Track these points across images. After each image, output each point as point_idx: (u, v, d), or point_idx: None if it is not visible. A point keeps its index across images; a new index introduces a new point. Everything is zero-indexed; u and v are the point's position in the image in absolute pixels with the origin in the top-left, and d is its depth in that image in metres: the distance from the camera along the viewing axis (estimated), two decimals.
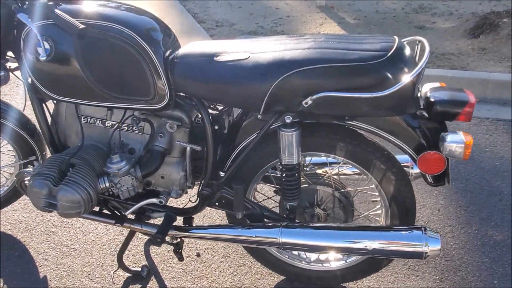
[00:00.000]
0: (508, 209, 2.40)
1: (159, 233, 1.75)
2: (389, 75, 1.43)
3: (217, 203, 1.79)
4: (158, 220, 1.88)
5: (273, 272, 2.06)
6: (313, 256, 1.97)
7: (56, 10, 1.52)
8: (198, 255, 2.17)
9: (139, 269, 2.05)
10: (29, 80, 1.70)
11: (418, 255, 1.53)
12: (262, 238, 1.69)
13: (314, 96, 1.46)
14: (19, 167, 2.18)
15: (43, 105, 1.82)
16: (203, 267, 2.11)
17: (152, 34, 1.61)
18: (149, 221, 1.88)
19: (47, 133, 1.83)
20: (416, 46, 1.61)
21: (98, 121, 1.80)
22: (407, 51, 1.49)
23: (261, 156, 1.71)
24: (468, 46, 4.20)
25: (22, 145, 2.11)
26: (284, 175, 1.67)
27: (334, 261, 1.93)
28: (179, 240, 1.87)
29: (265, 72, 1.50)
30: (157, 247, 2.20)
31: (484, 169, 2.70)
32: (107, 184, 1.72)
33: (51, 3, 1.53)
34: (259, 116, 1.61)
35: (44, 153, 2.18)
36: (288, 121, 1.56)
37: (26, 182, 1.82)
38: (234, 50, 1.59)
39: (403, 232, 1.57)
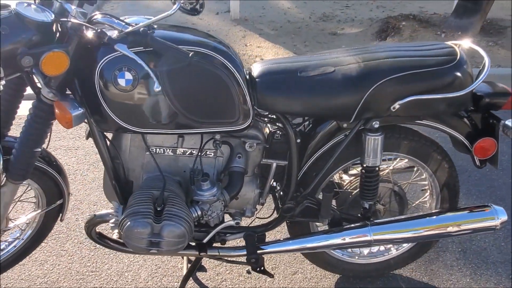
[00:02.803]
0: (479, 183, 2.83)
1: (251, 253, 1.75)
2: (461, 76, 1.66)
3: (300, 215, 1.83)
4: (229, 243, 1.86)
5: (327, 274, 2.16)
6: (365, 250, 2.11)
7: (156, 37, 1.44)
8: (248, 272, 2.17)
9: None
10: (100, 114, 1.57)
11: (492, 228, 1.78)
12: (353, 239, 1.79)
13: (403, 101, 1.62)
14: (39, 217, 1.95)
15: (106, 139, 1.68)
16: (258, 282, 2.12)
17: (233, 56, 1.61)
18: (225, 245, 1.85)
19: (111, 168, 1.69)
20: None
21: (168, 150, 1.72)
22: (465, 54, 1.72)
23: (335, 161, 1.81)
24: None
25: (50, 187, 1.89)
26: (365, 176, 1.79)
27: (386, 252, 2.10)
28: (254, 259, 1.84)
29: (357, 83, 1.62)
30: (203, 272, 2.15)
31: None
32: (199, 213, 1.66)
33: (147, 30, 1.44)
34: (345, 125, 1.71)
35: (70, 195, 1.98)
36: (376, 126, 1.69)
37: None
38: (314, 65, 1.67)
39: (475, 211, 1.80)
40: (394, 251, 2.09)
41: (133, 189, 1.76)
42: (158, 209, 1.58)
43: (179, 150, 1.72)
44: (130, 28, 1.41)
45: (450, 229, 1.78)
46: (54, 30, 1.51)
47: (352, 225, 1.82)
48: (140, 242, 1.54)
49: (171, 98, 1.54)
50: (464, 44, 1.80)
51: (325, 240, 1.80)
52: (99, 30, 1.43)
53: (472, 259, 2.27)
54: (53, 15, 1.50)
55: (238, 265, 2.18)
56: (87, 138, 1.77)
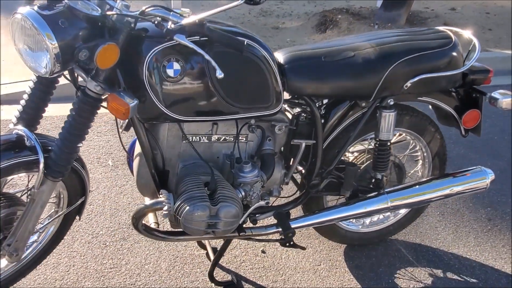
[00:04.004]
0: None
1: (286, 229, 1.87)
2: (457, 56, 1.92)
3: (324, 189, 1.99)
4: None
5: (334, 245, 2.34)
6: (367, 220, 2.33)
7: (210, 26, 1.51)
8: (263, 251, 2.29)
9: (229, 279, 2.08)
10: (145, 104, 1.60)
11: (484, 187, 2.06)
12: (374, 208, 1.99)
13: (414, 79, 1.84)
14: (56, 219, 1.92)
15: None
16: (274, 259, 2.25)
17: (265, 45, 1.72)
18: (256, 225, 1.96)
19: (151, 158, 1.73)
20: None
21: (203, 137, 1.79)
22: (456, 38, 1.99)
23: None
24: (322, 40, 5.01)
25: (74, 184, 1.86)
26: (378, 149, 1.99)
27: (385, 219, 2.33)
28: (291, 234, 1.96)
29: (376, 65, 1.81)
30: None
31: None
32: (243, 194, 1.75)
33: (203, 20, 1.50)
34: (363, 104, 1.90)
35: (90, 191, 1.96)
36: (391, 103, 1.90)
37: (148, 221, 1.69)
38: (335, 51, 1.84)
39: (471, 173, 2.08)
40: (392, 218, 2.33)
41: (169, 178, 1.81)
42: (208, 192, 1.65)
43: (214, 137, 1.80)
44: (188, 19, 1.47)
45: (453, 190, 2.04)
46: (101, 23, 1.52)
47: (370, 195, 2.02)
48: (199, 225, 1.60)
49: (216, 86, 1.62)
50: (453, 29, 2.06)
51: (350, 211, 1.98)
52: (156, 22, 1.48)
53: (451, 220, 2.58)
54: (99, 9, 1.51)
55: (254, 245, 2.31)
56: (126, 130, 1.78)
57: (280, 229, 1.93)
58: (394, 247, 2.37)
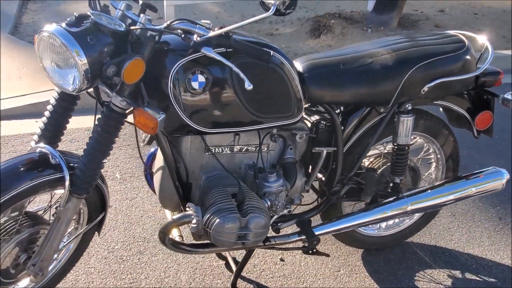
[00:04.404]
0: None
1: (311, 237, 1.87)
2: (470, 60, 1.94)
3: (344, 196, 2.00)
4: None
5: (352, 250, 2.35)
6: (383, 223, 2.34)
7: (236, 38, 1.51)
8: (282, 259, 2.29)
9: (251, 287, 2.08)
10: (170, 117, 1.59)
11: (500, 187, 2.09)
12: (394, 212, 2.00)
13: (431, 84, 1.87)
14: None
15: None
16: (294, 267, 2.25)
17: (284, 53, 1.73)
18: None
19: (175, 172, 1.72)
20: None
21: (226, 148, 1.78)
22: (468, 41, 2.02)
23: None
24: (317, 45, 5.04)
25: (95, 199, 1.83)
26: (396, 154, 2.01)
27: (401, 223, 2.34)
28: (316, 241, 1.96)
29: (394, 71, 1.83)
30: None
31: None
32: (269, 203, 1.75)
33: (229, 32, 1.50)
34: (381, 110, 1.92)
35: (109, 206, 1.94)
36: (409, 108, 1.91)
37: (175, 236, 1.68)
38: (352, 58, 1.85)
39: (486, 174, 2.10)
40: (408, 221, 2.35)
41: (192, 190, 1.80)
42: (236, 204, 1.65)
43: (236, 148, 1.80)
44: (215, 32, 1.47)
45: (471, 191, 2.06)
46: (126, 38, 1.51)
47: (390, 199, 2.03)
48: (230, 237, 1.60)
49: (240, 97, 1.63)
50: (465, 33, 2.09)
51: (371, 216, 1.99)
52: (183, 35, 1.47)
53: (463, 220, 2.61)
54: (123, 24, 1.51)
55: (272, 254, 2.30)
56: (149, 143, 1.77)
57: (302, 237, 1.93)
58: (410, 250, 2.39)
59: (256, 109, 1.67)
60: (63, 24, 1.39)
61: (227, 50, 1.53)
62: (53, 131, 1.69)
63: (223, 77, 1.60)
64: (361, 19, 5.67)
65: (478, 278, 2.23)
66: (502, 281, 2.21)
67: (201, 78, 1.57)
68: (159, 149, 1.84)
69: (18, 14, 5.61)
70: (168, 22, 1.52)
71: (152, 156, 2.08)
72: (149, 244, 2.37)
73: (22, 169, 1.57)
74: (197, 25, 1.51)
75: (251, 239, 1.63)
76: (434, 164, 2.29)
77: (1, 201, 1.50)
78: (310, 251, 1.97)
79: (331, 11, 5.90)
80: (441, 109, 2.18)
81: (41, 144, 1.66)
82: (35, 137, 1.69)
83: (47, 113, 1.68)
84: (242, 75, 1.47)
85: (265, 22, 5.69)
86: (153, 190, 2.10)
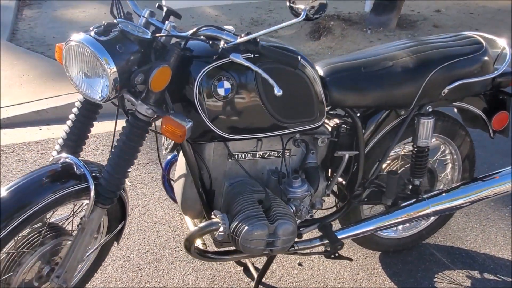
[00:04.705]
0: None
1: (334, 241, 1.86)
2: (488, 61, 1.95)
3: (366, 199, 1.99)
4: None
5: (370, 253, 2.34)
6: (400, 226, 2.34)
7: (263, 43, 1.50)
8: (300, 264, 2.28)
9: None
10: (195, 124, 1.57)
11: None
12: (415, 213, 2.00)
13: (452, 86, 1.87)
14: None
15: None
16: (312, 271, 2.23)
17: (306, 57, 1.72)
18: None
19: (199, 180, 1.70)
20: None
21: (249, 154, 1.77)
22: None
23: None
24: (318, 47, 5.04)
25: (116, 207, 1.80)
26: (416, 156, 2.01)
27: (417, 224, 2.34)
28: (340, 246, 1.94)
29: (415, 73, 1.83)
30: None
31: None
32: (294, 209, 1.74)
33: (256, 39, 1.49)
34: (402, 112, 1.91)
35: (129, 214, 1.92)
36: (430, 110, 1.91)
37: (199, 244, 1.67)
38: (373, 61, 1.85)
39: (503, 175, 2.10)
40: (424, 222, 2.34)
41: (215, 197, 1.78)
42: (262, 210, 1.63)
43: (259, 153, 1.78)
44: (243, 38, 1.46)
45: (487, 192, 2.07)
46: (151, 45, 1.49)
47: (410, 202, 2.03)
48: (259, 244, 1.58)
49: (265, 103, 1.61)
50: (480, 34, 2.09)
51: (393, 218, 1.98)
52: (211, 42, 1.46)
53: (476, 220, 2.62)
54: (148, 31, 1.49)
55: (290, 258, 2.29)
56: (171, 151, 1.75)
57: (325, 241, 1.92)
58: (427, 251, 2.39)
59: (280, 114, 1.66)
60: (92, 33, 1.37)
61: (254, 55, 1.52)
62: (75, 140, 1.66)
63: (248, 83, 1.59)
64: (359, 20, 5.68)
65: (497, 278, 2.23)
66: None
67: (227, 85, 1.56)
68: (180, 156, 1.83)
69: (14, 20, 5.56)
70: (195, 29, 1.50)
71: (170, 163, 2.07)
72: (165, 252, 2.34)
73: (46, 181, 1.54)
74: (224, 31, 1.49)
75: (279, 246, 1.62)
76: (450, 165, 2.29)
77: (27, 215, 1.47)
78: (332, 256, 1.96)
79: (329, 13, 5.91)
80: (455, 109, 2.19)
81: (64, 154, 1.63)
82: (57, 147, 1.66)
83: (69, 122, 1.66)
84: (271, 80, 1.45)
85: (264, 25, 5.69)
86: (172, 198, 2.09)
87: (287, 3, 1.48)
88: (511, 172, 2.11)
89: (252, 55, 1.52)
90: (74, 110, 1.65)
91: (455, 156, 2.24)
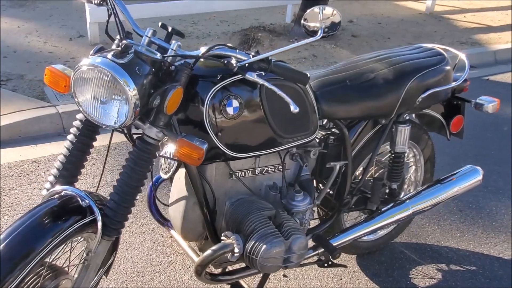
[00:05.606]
0: None
1: (332, 250, 1.90)
2: (450, 70, 2.13)
3: (353, 206, 2.07)
4: None
5: (347, 257, 2.43)
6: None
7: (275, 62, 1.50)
8: (284, 275, 2.30)
9: None
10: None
11: (479, 182, 2.30)
12: (398, 215, 2.11)
13: (425, 94, 2.02)
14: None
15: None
16: (310, 286, 2.27)
17: None
18: None
19: (203, 201, 1.66)
20: None
21: (248, 171, 1.76)
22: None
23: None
24: None
25: None
26: (393, 161, 2.13)
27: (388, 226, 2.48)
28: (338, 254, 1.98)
29: (395, 84, 1.95)
30: None
31: None
32: (299, 222, 1.76)
33: (268, 57, 1.48)
34: (383, 121, 2.02)
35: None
36: (407, 118, 2.04)
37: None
38: (355, 74, 1.94)
39: (467, 173, 2.30)
40: (392, 226, 2.48)
41: (217, 218, 1.75)
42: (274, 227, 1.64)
43: (257, 170, 1.78)
44: (257, 57, 1.46)
45: (456, 190, 2.24)
46: (161, 66, 1.44)
47: (392, 205, 2.14)
48: (277, 262, 1.58)
49: (269, 119, 1.63)
50: (438, 46, 2.27)
51: (378, 222, 2.08)
52: (226, 61, 1.44)
53: (431, 216, 2.82)
54: (157, 52, 1.43)
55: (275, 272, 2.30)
56: (174, 173, 1.68)
57: (319, 251, 1.97)
58: (397, 250, 2.53)
59: (282, 130, 1.68)
60: (109, 56, 1.29)
61: (265, 73, 1.52)
62: (71, 170, 1.55)
63: (254, 100, 1.59)
64: (283, 31, 5.86)
65: (462, 269, 2.43)
66: (482, 268, 2.43)
67: (235, 103, 1.55)
68: (176, 180, 1.78)
69: None
70: (206, 49, 1.47)
71: (155, 187, 2.00)
72: (145, 278, 2.24)
73: (47, 221, 1.39)
74: (237, 50, 1.48)
75: (294, 261, 1.63)
76: (413, 167, 2.46)
77: (31, 267, 1.32)
78: (326, 264, 2.01)
79: (253, 25, 6.03)
80: (413, 115, 2.36)
81: (59, 187, 1.50)
82: (51, 178, 1.53)
83: (64, 151, 1.54)
84: (287, 98, 1.47)
85: (192, 37, 5.64)
86: (159, 221, 2.02)
87: (302, 22, 1.51)
88: (472, 169, 2.31)
89: (262, 73, 1.52)
90: (70, 137, 1.54)
91: (418, 159, 2.41)
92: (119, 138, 2.00)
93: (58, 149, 3.28)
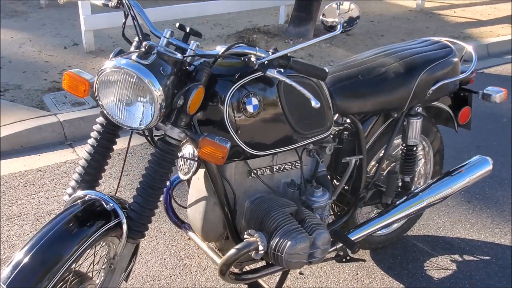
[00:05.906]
0: None
1: (351, 245, 1.90)
2: (458, 62, 2.15)
3: (368, 200, 2.07)
4: None
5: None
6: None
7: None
8: (301, 273, 2.30)
9: None
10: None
11: (489, 171, 2.32)
12: (412, 208, 2.12)
13: (435, 86, 2.03)
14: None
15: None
16: (327, 283, 2.27)
17: None
18: None
19: (224, 199, 1.66)
20: None
21: (266, 169, 1.76)
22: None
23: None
24: None
25: None
26: (406, 154, 2.14)
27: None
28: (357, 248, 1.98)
29: (406, 77, 1.96)
30: None
31: None
32: (319, 217, 1.76)
33: (287, 54, 1.49)
34: (395, 114, 2.03)
35: None
36: (419, 110, 2.06)
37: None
38: (367, 69, 1.95)
39: (477, 164, 2.31)
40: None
41: (237, 217, 1.75)
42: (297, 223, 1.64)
43: (275, 167, 1.79)
44: (276, 54, 1.46)
45: (468, 180, 2.26)
46: (181, 66, 1.44)
47: (405, 198, 2.15)
48: (302, 258, 1.58)
49: (287, 116, 1.63)
50: (445, 39, 2.29)
51: (393, 215, 2.09)
52: (246, 59, 1.44)
53: (440, 208, 2.84)
54: (176, 52, 1.43)
55: (291, 270, 2.29)
56: (194, 174, 1.68)
57: (337, 246, 1.97)
58: (410, 243, 2.55)
59: (300, 127, 1.68)
60: (133, 57, 1.29)
61: (285, 70, 1.53)
62: (93, 174, 1.54)
63: (272, 98, 1.60)
64: (278, 32, 5.87)
65: (475, 258, 2.45)
66: (495, 257, 2.45)
67: (255, 101, 1.55)
68: (194, 181, 1.78)
69: None
70: (225, 47, 1.48)
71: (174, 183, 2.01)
72: (161, 282, 2.23)
73: (73, 227, 1.39)
74: (256, 48, 1.49)
75: (319, 256, 1.63)
76: (423, 160, 2.47)
77: (59, 276, 1.31)
78: (344, 259, 2.02)
79: (247, 27, 6.04)
80: (420, 108, 2.37)
81: (81, 192, 1.49)
82: (72, 183, 1.53)
83: (85, 155, 1.53)
84: (308, 93, 1.47)
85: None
86: (176, 223, 2.01)
87: (320, 17, 1.51)
88: (482, 160, 2.33)
89: (283, 70, 1.52)
90: (91, 141, 1.53)
91: (428, 151, 2.42)
92: (131, 142, 2.00)
93: (62, 158, 3.28)
